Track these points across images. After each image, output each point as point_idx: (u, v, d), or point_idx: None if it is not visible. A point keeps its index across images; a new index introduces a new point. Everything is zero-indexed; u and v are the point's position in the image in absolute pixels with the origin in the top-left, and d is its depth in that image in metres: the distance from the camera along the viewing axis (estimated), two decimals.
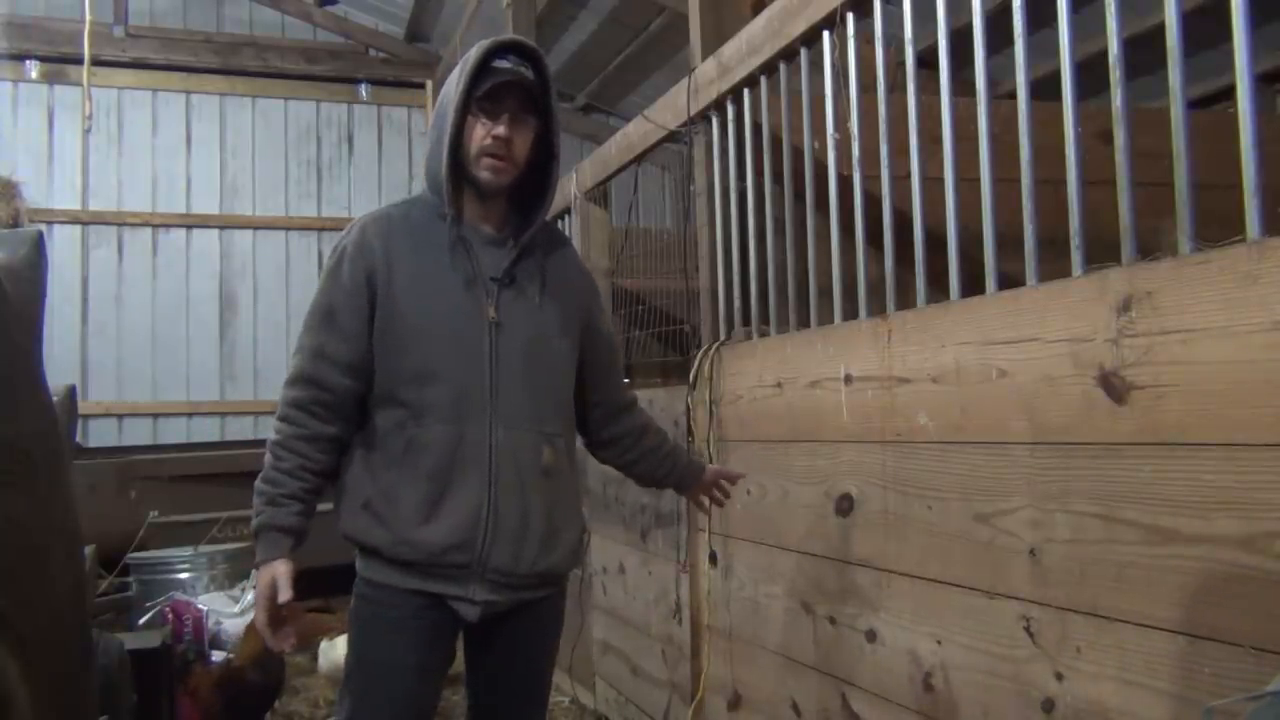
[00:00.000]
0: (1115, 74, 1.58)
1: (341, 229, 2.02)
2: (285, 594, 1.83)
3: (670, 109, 3.09)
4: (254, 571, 1.94)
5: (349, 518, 1.89)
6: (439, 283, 1.90)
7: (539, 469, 1.92)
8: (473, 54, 1.89)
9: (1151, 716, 1.44)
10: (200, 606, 4.01)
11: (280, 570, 1.83)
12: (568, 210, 4.20)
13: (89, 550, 3.17)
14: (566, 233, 4.27)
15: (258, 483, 1.88)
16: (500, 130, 1.88)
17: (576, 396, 2.07)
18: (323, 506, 1.89)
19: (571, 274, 2.08)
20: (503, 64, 1.91)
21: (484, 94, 1.87)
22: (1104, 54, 1.58)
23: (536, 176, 1.98)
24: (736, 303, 2.76)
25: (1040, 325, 1.64)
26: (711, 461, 2.73)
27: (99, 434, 6.91)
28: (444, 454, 1.86)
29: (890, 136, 2.12)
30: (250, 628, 3.69)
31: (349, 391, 1.90)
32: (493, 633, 1.94)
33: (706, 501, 2.39)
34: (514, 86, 1.89)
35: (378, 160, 7.74)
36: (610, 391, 2.16)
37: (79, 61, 6.02)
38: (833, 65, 2.29)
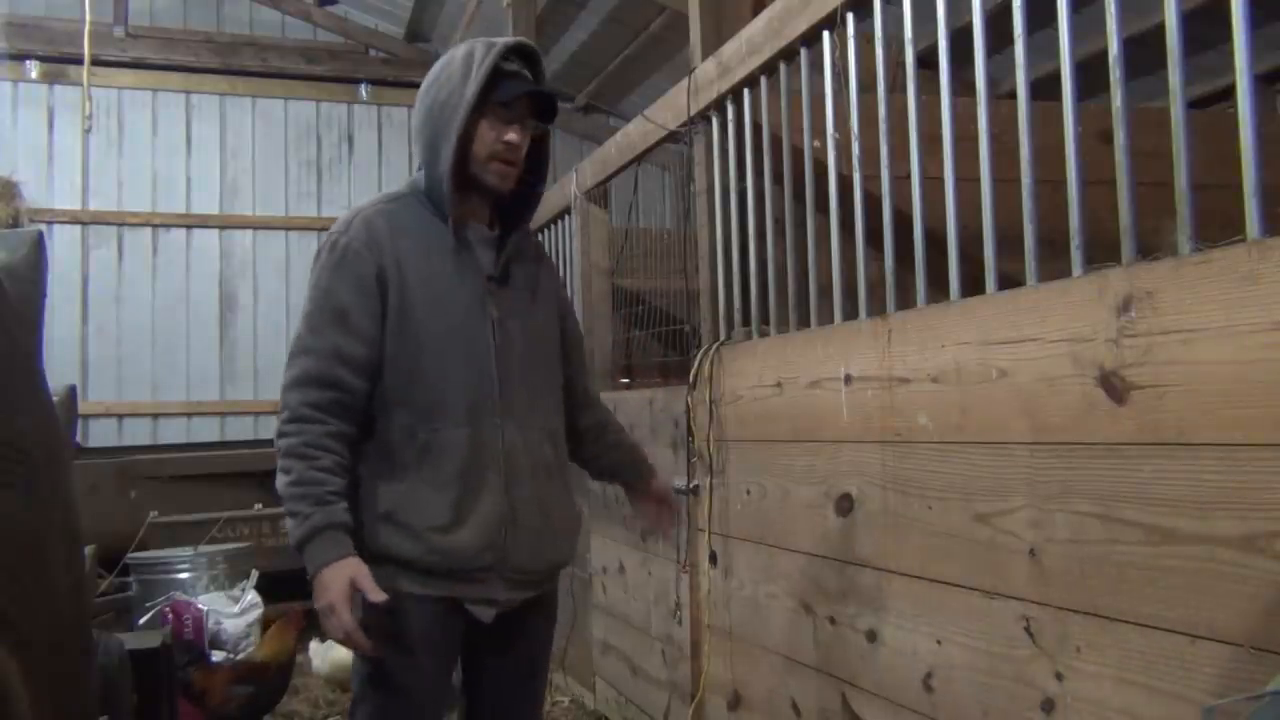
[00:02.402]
0: (1115, 74, 1.58)
1: None
2: (377, 594, 1.72)
3: (670, 109, 3.09)
4: (318, 578, 1.71)
5: (368, 532, 1.81)
6: (446, 283, 1.89)
7: (544, 465, 1.95)
8: (482, 55, 1.87)
9: (1151, 716, 1.44)
10: (200, 606, 4.01)
11: (358, 569, 1.72)
12: (568, 210, 4.20)
13: (89, 550, 3.17)
14: (567, 233, 4.29)
15: (291, 487, 1.74)
16: (513, 136, 1.88)
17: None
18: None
19: (547, 270, 2.12)
20: (509, 66, 1.90)
21: (502, 100, 1.87)
22: (1104, 54, 1.58)
23: (524, 177, 1.99)
24: (736, 303, 2.76)
25: (1040, 325, 1.64)
26: (712, 463, 2.74)
27: (99, 434, 6.90)
28: (463, 456, 1.83)
29: (890, 136, 2.12)
30: (280, 623, 3.69)
31: (364, 394, 1.84)
32: (500, 632, 1.94)
33: (652, 511, 2.28)
34: (530, 93, 1.90)
35: (378, 160, 7.73)
36: (584, 384, 2.19)
37: (79, 61, 6.02)
38: (833, 65, 2.29)
